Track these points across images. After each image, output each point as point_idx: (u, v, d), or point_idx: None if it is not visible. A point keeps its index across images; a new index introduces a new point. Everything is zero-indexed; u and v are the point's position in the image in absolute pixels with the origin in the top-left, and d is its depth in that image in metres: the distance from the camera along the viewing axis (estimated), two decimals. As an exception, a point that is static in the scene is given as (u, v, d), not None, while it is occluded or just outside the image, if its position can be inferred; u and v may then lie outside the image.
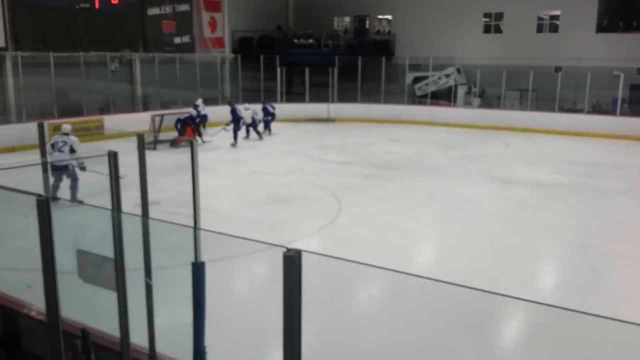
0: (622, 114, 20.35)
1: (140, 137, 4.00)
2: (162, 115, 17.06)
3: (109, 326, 3.94)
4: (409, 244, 8.82)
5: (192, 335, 3.54)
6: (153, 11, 22.33)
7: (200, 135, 16.95)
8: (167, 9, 22.79)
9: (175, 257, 4.97)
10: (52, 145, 9.72)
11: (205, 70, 22.83)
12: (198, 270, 3.46)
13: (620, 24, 22.89)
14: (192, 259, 3.81)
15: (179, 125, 16.64)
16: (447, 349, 5.34)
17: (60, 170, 9.66)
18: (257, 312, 5.92)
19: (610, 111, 20.95)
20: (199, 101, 17.84)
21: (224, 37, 25.23)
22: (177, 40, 23.28)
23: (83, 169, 9.56)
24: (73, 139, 9.84)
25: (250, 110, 18.23)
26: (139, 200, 4.27)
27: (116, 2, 20.40)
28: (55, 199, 8.62)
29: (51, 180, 9.36)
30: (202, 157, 16.21)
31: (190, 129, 16.69)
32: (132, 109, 20.59)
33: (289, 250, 2.07)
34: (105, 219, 3.85)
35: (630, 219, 10.09)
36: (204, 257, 4.03)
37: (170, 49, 22.67)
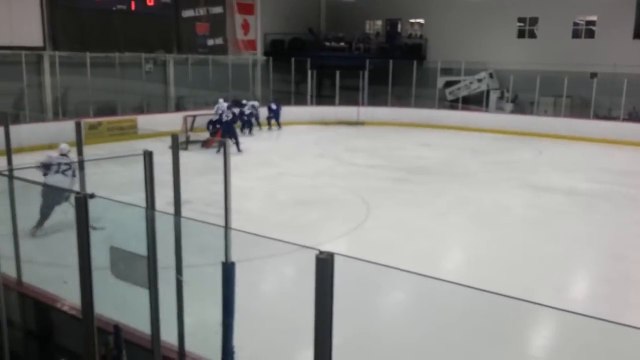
0: (660, 121, 19.87)
1: (175, 137, 4.06)
2: (194, 116, 17.28)
3: (139, 323, 4.01)
4: (437, 249, 8.75)
5: (221, 335, 3.57)
6: (187, 13, 22.64)
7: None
8: (201, 11, 23.07)
9: (206, 257, 5.02)
10: (46, 166, 8.24)
11: (237, 72, 23.05)
12: (228, 270, 3.49)
13: (659, 30, 22.34)
14: (223, 258, 3.85)
15: (210, 127, 16.82)
16: (474, 356, 5.28)
17: (59, 195, 7.95)
18: (286, 313, 5.95)
19: (647, 119, 20.47)
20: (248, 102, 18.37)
21: (256, 40, 25.42)
22: (210, 42, 23.53)
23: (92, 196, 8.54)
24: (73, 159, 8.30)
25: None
26: (170, 199, 4.34)
27: (152, 3, 20.75)
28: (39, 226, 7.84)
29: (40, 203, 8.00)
30: (233, 158, 16.31)
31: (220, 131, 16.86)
32: (165, 109, 20.91)
33: (321, 252, 2.08)
34: (138, 217, 3.92)
35: (667, 230, 9.84)
36: (233, 257, 4.07)
37: (204, 50, 22.94)
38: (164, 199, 4.50)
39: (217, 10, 23.74)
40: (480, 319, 5.33)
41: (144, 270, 3.63)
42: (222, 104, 17.95)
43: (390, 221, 9.91)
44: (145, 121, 18.09)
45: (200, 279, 5.47)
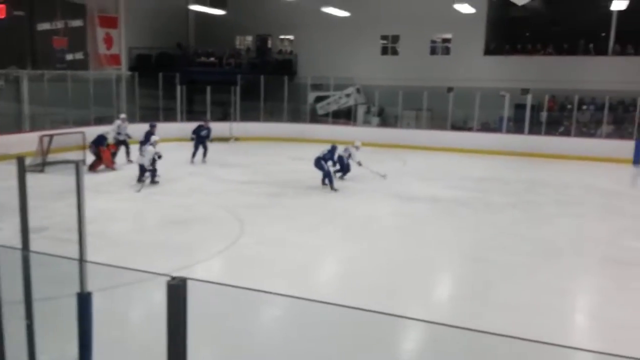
0: (508, 131, 21.80)
1: (20, 160, 3.72)
2: (51, 136, 16.09)
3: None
4: (313, 262, 8.85)
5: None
6: (43, 26, 21.20)
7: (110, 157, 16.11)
8: (59, 25, 21.70)
9: (63, 287, 4.64)
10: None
11: (100, 88, 21.86)
12: (84, 301, 3.24)
13: (506, 47, 24.60)
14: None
15: (92, 148, 15.62)
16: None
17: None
18: (149, 343, 5.66)
19: (497, 129, 22.37)
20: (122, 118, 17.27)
21: (120, 54, 24.38)
22: (70, 56, 22.19)
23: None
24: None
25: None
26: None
27: (2, 16, 19.13)
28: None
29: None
30: (98, 178, 15.44)
31: (108, 150, 15.83)
32: (19, 129, 19.28)
33: (173, 278, 1.98)
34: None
35: (518, 231, 10.74)
36: (95, 285, 3.80)
37: (62, 65, 21.55)
38: (16, 227, 4.10)
39: (77, 23, 22.48)
40: (351, 331, 5.44)
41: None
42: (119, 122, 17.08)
43: (265, 237, 9.87)
44: (-5, 143, 16.55)
45: (56, 311, 5.06)
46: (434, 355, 5.73)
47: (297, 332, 5.93)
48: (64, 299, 4.62)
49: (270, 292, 2.40)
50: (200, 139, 17.47)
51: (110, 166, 15.76)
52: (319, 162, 13.94)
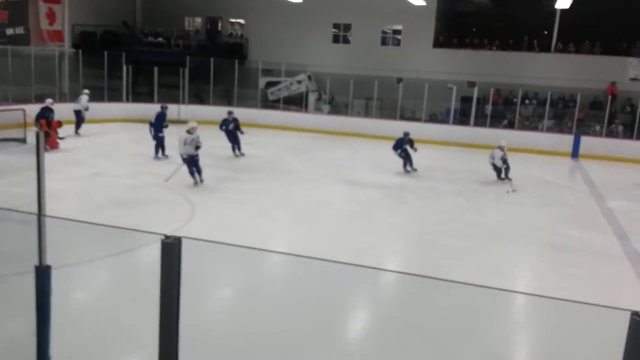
0: (455, 123, 22.35)
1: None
2: (-10, 112, 15.44)
3: None
4: (264, 245, 8.85)
5: (36, 346, 3.25)
6: (-19, -1, 20.22)
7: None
8: (-2, -3, 20.75)
9: (11, 265, 4.52)
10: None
11: (42, 65, 20.99)
12: (43, 275, 3.18)
13: (454, 41, 25.14)
14: (31, 266, 3.49)
15: (38, 124, 15.06)
16: (302, 342, 5.47)
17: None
18: (106, 319, 5.58)
19: (444, 120, 22.90)
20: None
21: (63, 31, 23.48)
22: (10, 31, 21.24)
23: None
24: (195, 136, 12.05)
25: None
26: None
27: None
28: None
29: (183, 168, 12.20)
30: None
31: (54, 130, 15.24)
32: (-46, 105, 18.34)
33: (167, 237, 1.98)
34: None
35: (462, 217, 11.10)
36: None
37: (1, 40, 20.61)
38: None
39: (18, -4, 21.53)
40: (305, 306, 5.53)
41: None
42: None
43: (216, 220, 9.83)
44: None
45: (4, 290, 4.91)
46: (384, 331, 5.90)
47: (252, 307, 5.98)
48: (12, 277, 4.50)
49: (269, 250, 2.45)
50: (230, 132, 16.63)
51: (56, 147, 15.26)
52: (400, 147, 15.32)
